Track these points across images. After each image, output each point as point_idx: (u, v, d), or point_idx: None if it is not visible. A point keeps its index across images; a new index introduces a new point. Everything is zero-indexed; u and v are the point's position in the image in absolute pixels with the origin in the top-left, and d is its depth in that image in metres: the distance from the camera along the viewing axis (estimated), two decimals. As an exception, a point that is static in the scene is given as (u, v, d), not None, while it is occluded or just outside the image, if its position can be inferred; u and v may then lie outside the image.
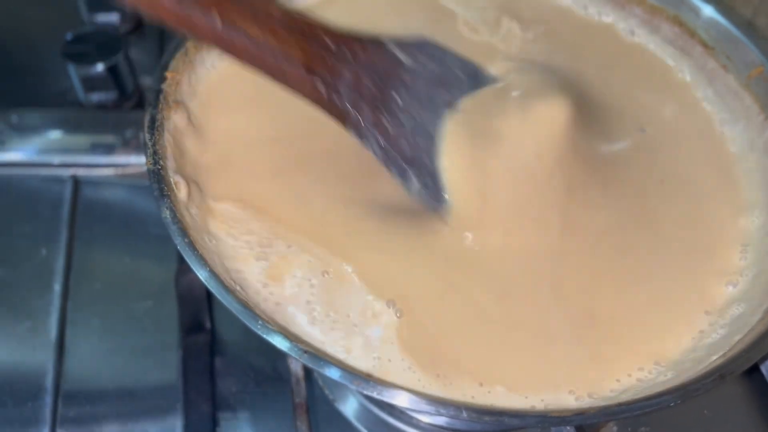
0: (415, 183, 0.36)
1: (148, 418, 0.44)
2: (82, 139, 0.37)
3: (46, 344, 0.46)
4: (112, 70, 0.56)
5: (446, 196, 0.36)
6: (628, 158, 0.41)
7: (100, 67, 0.56)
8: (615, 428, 0.46)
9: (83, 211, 0.52)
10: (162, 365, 0.46)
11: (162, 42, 0.64)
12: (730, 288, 0.37)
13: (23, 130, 0.45)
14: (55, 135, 0.43)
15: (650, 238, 0.38)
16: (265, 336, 0.30)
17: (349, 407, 0.46)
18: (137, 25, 0.64)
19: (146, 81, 0.61)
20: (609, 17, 0.49)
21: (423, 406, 0.28)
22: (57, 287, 0.49)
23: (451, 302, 0.35)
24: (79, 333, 0.47)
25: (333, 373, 0.29)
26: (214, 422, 0.44)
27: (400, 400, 0.28)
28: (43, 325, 0.47)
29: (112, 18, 0.63)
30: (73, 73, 0.56)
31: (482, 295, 0.35)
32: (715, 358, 0.32)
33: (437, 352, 0.34)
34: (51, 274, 0.49)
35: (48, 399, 0.44)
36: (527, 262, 0.36)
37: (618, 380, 0.34)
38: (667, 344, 0.35)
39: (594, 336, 0.34)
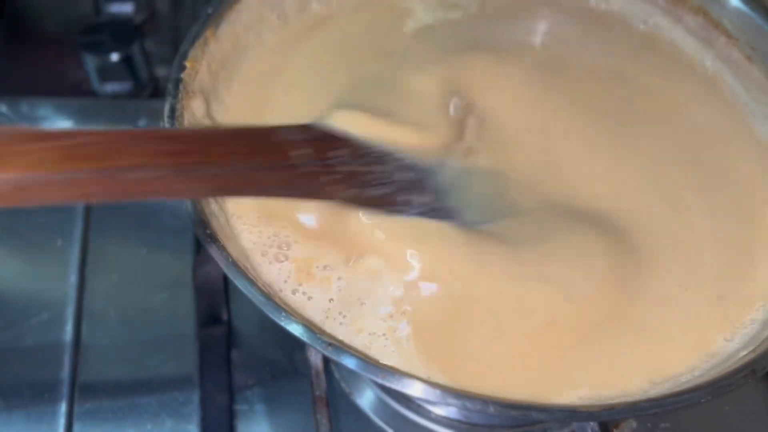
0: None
1: (164, 410, 0.44)
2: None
3: (63, 336, 0.46)
4: (127, 60, 0.56)
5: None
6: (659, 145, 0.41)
7: (115, 56, 0.56)
8: (635, 424, 0.46)
9: (98, 208, 0.52)
10: (178, 357, 0.46)
11: (176, 32, 0.64)
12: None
13: (34, 120, 0.45)
14: (66, 125, 0.43)
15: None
16: (288, 328, 0.29)
17: (366, 400, 0.46)
18: (151, 14, 0.64)
19: (161, 71, 0.61)
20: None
21: (450, 399, 0.28)
22: (73, 279, 0.49)
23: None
24: (96, 325, 0.47)
25: (355, 365, 0.29)
26: (231, 415, 0.44)
27: (429, 394, 0.28)
28: (59, 317, 0.47)
29: (125, 8, 0.63)
30: (89, 62, 0.55)
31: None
32: (744, 353, 0.31)
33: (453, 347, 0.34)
34: (67, 265, 0.49)
35: (64, 391, 0.44)
36: None
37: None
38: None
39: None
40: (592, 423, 0.33)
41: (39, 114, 0.46)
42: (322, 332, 0.30)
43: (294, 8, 0.46)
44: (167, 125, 0.36)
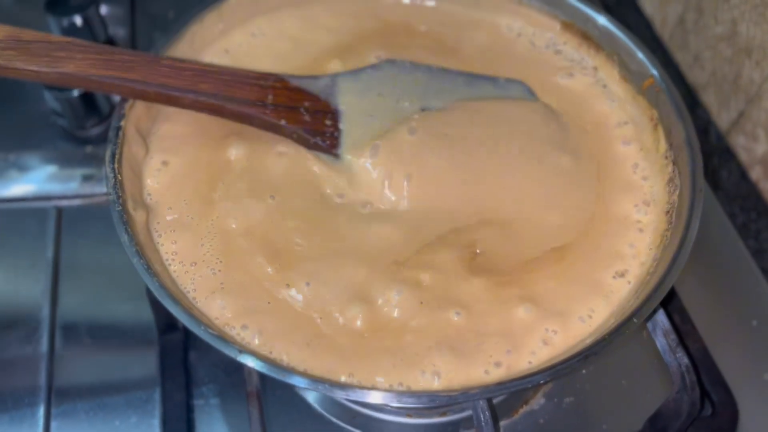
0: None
1: (130, 407, 0.50)
2: (54, 173, 0.43)
3: (39, 347, 0.52)
4: (86, 96, 0.61)
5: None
6: None
7: (75, 92, 0.61)
8: (543, 400, 0.52)
9: (68, 226, 0.57)
10: (141, 361, 0.52)
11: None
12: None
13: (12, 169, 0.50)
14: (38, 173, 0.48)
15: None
16: (206, 339, 0.36)
17: (310, 392, 0.51)
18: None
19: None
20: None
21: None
22: (47, 296, 0.54)
23: None
24: (68, 336, 0.52)
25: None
26: (189, 409, 0.50)
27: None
28: (35, 331, 0.53)
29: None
30: (49, 98, 0.61)
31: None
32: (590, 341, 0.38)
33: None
34: (41, 284, 0.55)
35: (42, 395, 0.50)
36: None
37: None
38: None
39: None
40: (481, 403, 0.39)
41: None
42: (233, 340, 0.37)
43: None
44: (108, 169, 0.42)
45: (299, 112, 0.46)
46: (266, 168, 0.46)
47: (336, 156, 0.45)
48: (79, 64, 0.40)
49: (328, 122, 0.46)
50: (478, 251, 0.43)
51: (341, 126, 0.46)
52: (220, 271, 0.42)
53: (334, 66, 0.50)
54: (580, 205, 0.45)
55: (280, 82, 0.46)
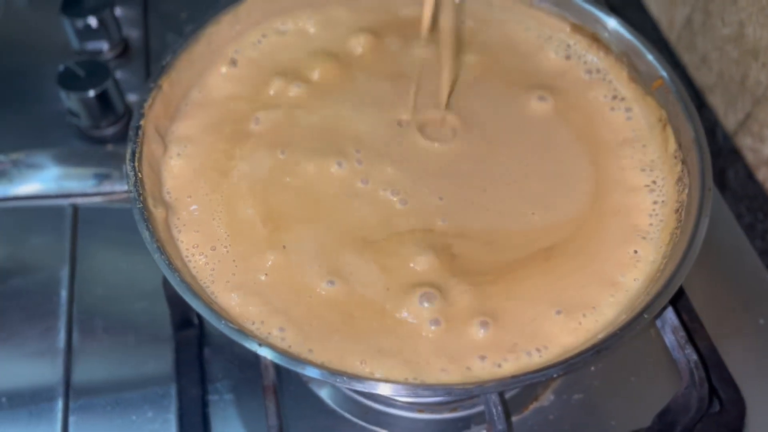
0: None
1: (146, 403, 0.50)
2: (74, 172, 0.44)
3: (57, 343, 0.53)
4: (102, 96, 0.62)
5: None
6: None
7: (91, 93, 0.62)
8: (552, 396, 0.53)
9: (84, 226, 0.59)
10: (157, 357, 0.52)
11: (148, 65, 0.70)
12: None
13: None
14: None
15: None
16: (226, 333, 0.37)
17: (323, 387, 0.52)
18: (124, 50, 0.71)
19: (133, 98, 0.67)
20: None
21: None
22: (64, 294, 0.55)
23: None
24: (85, 332, 0.53)
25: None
26: (204, 404, 0.50)
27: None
28: (53, 327, 0.53)
29: (101, 45, 0.69)
30: (65, 98, 0.62)
31: None
32: (601, 336, 0.38)
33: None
34: (58, 282, 0.55)
35: (60, 390, 0.51)
36: None
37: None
38: None
39: None
40: (493, 397, 0.39)
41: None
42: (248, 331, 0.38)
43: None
44: (129, 167, 0.43)
45: None
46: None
47: None
48: None
49: None
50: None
51: None
52: (235, 274, 0.43)
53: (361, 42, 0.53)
54: (589, 202, 0.46)
55: None
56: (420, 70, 0.52)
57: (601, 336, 0.38)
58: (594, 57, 0.53)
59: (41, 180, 0.44)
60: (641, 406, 0.51)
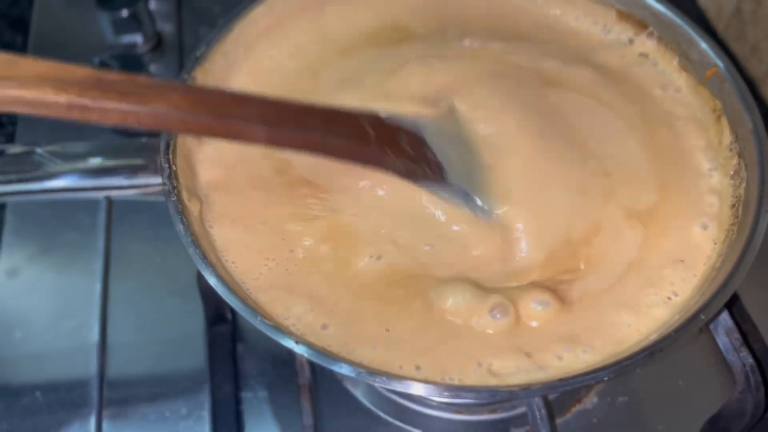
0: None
1: (179, 398, 0.50)
2: (108, 164, 0.44)
3: (91, 338, 0.53)
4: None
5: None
6: None
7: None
8: (596, 399, 0.51)
9: (118, 220, 0.58)
10: (190, 353, 0.52)
11: (181, 57, 0.70)
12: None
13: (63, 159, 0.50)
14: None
15: None
16: (262, 329, 0.35)
17: (358, 386, 0.51)
18: (157, 44, 0.70)
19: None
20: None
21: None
22: (98, 288, 0.55)
23: None
24: (118, 328, 0.53)
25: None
26: (238, 401, 0.50)
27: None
28: (87, 322, 0.53)
29: (135, 38, 0.69)
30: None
31: None
32: (654, 337, 0.36)
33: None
34: (92, 277, 0.55)
35: (94, 384, 0.51)
36: None
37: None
38: None
39: None
40: (537, 400, 0.38)
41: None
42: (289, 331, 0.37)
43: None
44: (163, 159, 0.42)
45: (400, 145, 0.42)
46: None
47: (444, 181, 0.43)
48: (173, 102, 0.35)
49: (429, 154, 0.43)
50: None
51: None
52: (272, 261, 0.42)
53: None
54: (643, 198, 0.44)
55: (374, 116, 0.43)
56: None
57: (653, 337, 0.36)
58: (641, 46, 0.50)
59: (76, 173, 0.43)
60: (689, 411, 0.49)
